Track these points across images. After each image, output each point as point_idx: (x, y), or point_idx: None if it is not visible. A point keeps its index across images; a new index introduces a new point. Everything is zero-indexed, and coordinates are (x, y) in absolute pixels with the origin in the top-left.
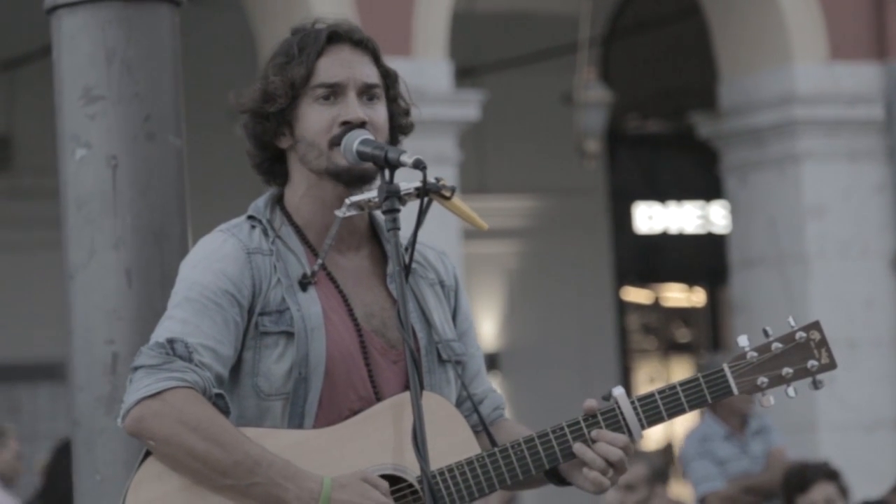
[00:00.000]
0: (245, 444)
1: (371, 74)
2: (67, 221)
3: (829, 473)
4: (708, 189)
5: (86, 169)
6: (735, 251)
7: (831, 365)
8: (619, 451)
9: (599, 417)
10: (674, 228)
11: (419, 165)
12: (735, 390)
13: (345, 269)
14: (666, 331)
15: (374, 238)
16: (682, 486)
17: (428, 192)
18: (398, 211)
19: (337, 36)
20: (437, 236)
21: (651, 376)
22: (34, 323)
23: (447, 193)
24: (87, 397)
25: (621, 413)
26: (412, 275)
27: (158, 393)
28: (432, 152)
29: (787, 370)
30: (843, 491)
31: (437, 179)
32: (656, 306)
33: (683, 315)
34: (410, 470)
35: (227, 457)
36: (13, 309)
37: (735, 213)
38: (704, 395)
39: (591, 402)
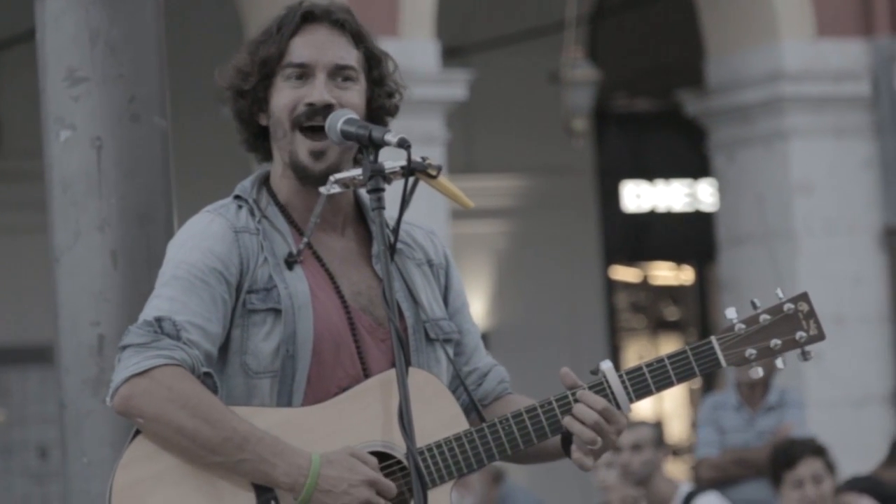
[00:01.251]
0: (233, 420)
1: (345, 56)
2: (52, 203)
3: (816, 449)
4: (696, 167)
5: (70, 151)
6: (723, 229)
7: (820, 336)
8: (595, 414)
9: (587, 389)
10: (662, 207)
11: (403, 144)
12: (723, 362)
13: (331, 248)
14: (654, 309)
15: (359, 219)
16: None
17: (414, 171)
18: (383, 190)
19: (312, 16)
20: (425, 216)
21: (640, 354)
22: (24, 306)
23: (433, 172)
24: (74, 380)
25: (609, 386)
26: (399, 255)
27: (146, 371)
28: (419, 132)
29: (775, 342)
30: (831, 467)
31: (423, 158)
32: (645, 285)
33: (672, 293)
34: (399, 446)
35: (215, 434)
36: (3, 292)
37: (723, 191)
38: (692, 367)
39: (566, 370)
